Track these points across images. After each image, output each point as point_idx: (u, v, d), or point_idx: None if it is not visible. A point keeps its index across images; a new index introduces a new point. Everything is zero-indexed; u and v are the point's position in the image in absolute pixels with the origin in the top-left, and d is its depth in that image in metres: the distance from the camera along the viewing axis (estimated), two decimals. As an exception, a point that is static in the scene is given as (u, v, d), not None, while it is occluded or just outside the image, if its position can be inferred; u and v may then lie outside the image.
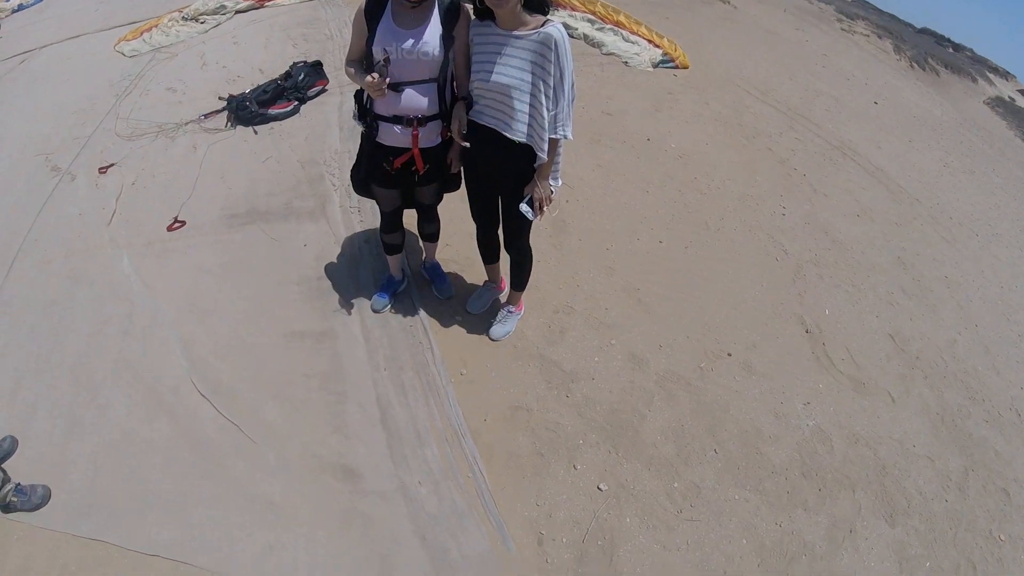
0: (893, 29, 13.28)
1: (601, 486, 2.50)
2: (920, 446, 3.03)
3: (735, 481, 2.62)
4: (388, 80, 2.18)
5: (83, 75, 5.47)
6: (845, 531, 2.57)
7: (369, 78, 2.14)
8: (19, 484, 2.28)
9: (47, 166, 4.20)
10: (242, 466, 2.46)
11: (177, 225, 3.60)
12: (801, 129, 5.80)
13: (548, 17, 2.15)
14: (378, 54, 2.18)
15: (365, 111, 2.40)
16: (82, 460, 2.47)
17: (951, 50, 16.13)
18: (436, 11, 2.21)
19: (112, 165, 4.14)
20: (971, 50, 17.05)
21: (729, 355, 3.17)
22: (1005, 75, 16.21)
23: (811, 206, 4.61)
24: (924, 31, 17.51)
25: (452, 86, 2.38)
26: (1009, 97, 13.63)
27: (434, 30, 2.20)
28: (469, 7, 2.24)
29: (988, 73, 15.01)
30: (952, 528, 2.71)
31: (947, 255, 4.68)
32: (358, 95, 2.43)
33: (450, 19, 2.22)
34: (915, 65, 11.29)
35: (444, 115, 2.38)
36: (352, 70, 2.32)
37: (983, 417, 3.32)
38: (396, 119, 2.33)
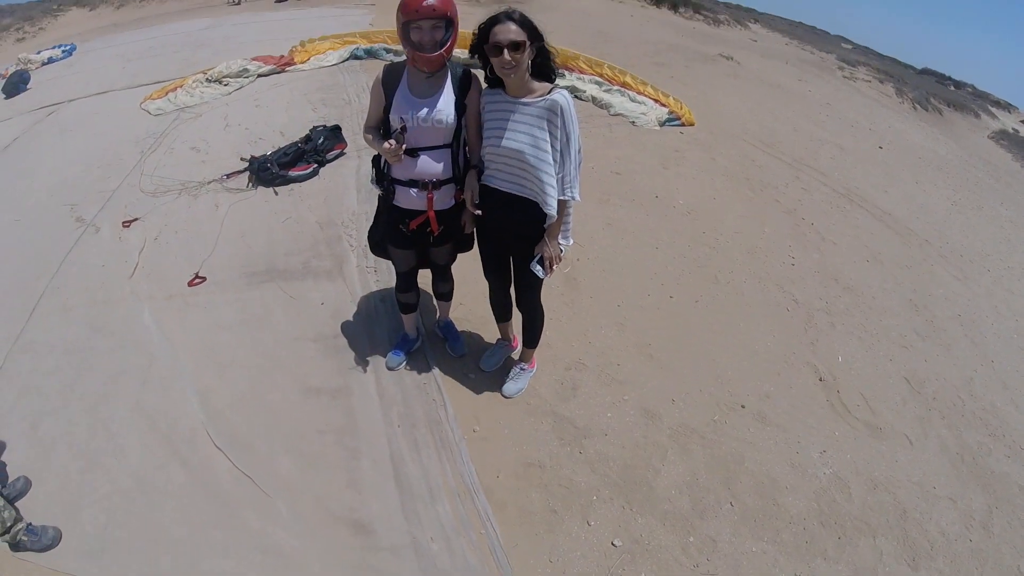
0: (894, 72, 13.55)
1: (615, 542, 2.47)
2: (941, 487, 2.98)
3: (752, 533, 2.58)
4: (404, 146, 2.27)
5: (109, 130, 5.68)
6: (867, 578, 2.50)
7: (386, 145, 2.24)
8: (30, 524, 2.30)
9: (72, 216, 4.36)
10: (255, 517, 2.47)
11: (198, 281, 3.70)
12: (807, 179, 5.86)
13: (555, 84, 2.26)
14: (395, 122, 2.28)
15: (382, 175, 2.49)
16: (95, 503, 2.50)
17: (952, 88, 16.38)
18: (449, 80, 2.31)
19: (136, 219, 4.27)
20: (972, 86, 17.32)
21: (743, 407, 3.16)
22: (1008, 107, 16.41)
23: (820, 254, 4.63)
24: (925, 71, 17.84)
25: (465, 151, 2.47)
26: (1013, 129, 13.75)
27: (448, 98, 2.30)
28: (480, 76, 2.35)
29: (990, 107, 15.19)
30: (978, 568, 2.64)
31: (959, 293, 4.67)
32: (376, 160, 2.52)
33: (463, 88, 2.32)
34: (918, 106, 11.45)
35: (458, 179, 2.46)
36: (370, 136, 2.42)
37: (1004, 453, 3.28)
38: (412, 183, 2.41)
